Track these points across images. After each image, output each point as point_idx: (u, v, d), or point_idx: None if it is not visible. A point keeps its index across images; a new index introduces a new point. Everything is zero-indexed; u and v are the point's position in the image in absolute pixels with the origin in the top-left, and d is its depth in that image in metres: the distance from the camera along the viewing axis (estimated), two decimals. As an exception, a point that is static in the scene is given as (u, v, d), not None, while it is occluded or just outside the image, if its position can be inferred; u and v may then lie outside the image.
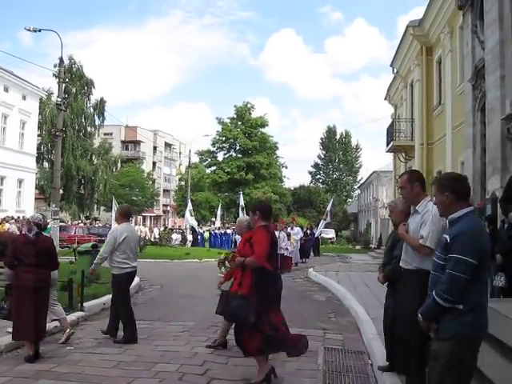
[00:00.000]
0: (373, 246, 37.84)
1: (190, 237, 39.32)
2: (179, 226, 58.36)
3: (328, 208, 23.22)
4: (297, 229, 25.01)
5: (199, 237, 37.26)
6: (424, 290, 4.00)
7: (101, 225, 42.10)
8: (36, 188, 42.90)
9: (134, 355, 6.93)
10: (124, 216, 8.45)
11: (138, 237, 8.68)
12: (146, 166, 77.41)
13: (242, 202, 21.63)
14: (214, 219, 48.15)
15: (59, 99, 24.62)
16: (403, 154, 28.89)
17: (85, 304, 9.71)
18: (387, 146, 29.71)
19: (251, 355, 5.80)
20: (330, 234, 53.48)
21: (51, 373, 6.01)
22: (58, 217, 24.31)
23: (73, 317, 9.02)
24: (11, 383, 5.67)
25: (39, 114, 41.70)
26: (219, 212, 25.21)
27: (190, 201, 24.41)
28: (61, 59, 25.03)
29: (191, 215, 23.35)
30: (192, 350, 7.20)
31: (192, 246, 35.75)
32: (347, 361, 6.96)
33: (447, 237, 3.67)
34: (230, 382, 5.95)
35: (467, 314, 3.46)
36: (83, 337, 7.99)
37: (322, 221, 26.73)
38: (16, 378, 5.80)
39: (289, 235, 20.80)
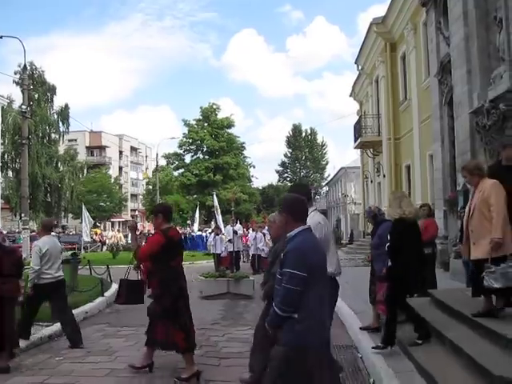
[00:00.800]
0: (344, 241, 38.12)
1: None
2: (148, 231, 57.90)
3: None
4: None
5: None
6: None
7: (74, 232, 41.46)
8: (1, 198, 42.08)
9: (125, 362, 6.91)
10: (45, 229, 8.47)
11: (60, 248, 8.61)
12: (113, 171, 76.65)
13: (216, 203, 21.49)
14: (188, 222, 47.84)
15: (24, 107, 24.22)
16: (371, 150, 29.31)
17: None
18: (355, 142, 30.09)
19: (182, 352, 6.17)
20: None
21: (44, 385, 5.98)
22: (27, 226, 23.92)
23: (55, 327, 8.91)
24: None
25: (1, 122, 40.89)
26: (197, 214, 24.88)
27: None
28: (24, 66, 24.68)
29: None
30: (182, 353, 7.23)
31: None
32: (337, 355, 7.06)
33: (282, 253, 3.98)
34: (224, 383, 6.01)
35: (301, 322, 3.69)
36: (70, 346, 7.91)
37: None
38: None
39: (265, 235, 20.80)
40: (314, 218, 5.10)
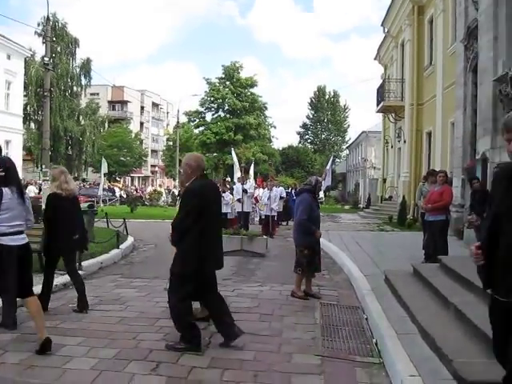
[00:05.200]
0: (361, 205, 38.12)
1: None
2: (167, 187, 58.30)
3: (327, 167, 21.08)
4: (280, 189, 21.48)
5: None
6: None
7: (88, 186, 42.54)
8: (23, 149, 42.56)
9: (136, 311, 7.12)
10: None
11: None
12: (134, 126, 76.88)
13: (234, 158, 19.91)
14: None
15: (46, 59, 24.22)
16: (393, 115, 29.01)
17: (83, 263, 9.84)
18: (377, 106, 29.79)
19: None
20: (320, 194, 53.78)
21: (57, 329, 6.16)
22: (48, 178, 24.24)
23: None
24: (20, 339, 5.80)
25: (24, 74, 40.99)
26: (251, 171, 22.15)
27: None
28: (47, 17, 24.62)
29: None
30: (193, 306, 7.39)
31: None
32: (343, 315, 7.20)
33: None
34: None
35: None
36: (84, 295, 8.11)
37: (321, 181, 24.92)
38: (24, 334, 5.94)
39: (245, 191, 18.13)
40: None
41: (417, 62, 24.48)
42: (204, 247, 5.52)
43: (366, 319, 6.94)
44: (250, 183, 19.88)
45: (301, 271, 8.29)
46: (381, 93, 28.75)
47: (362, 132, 54.88)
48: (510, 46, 11.50)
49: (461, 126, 15.70)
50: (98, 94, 70.05)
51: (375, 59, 37.07)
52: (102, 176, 32.27)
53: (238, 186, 18.44)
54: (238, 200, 17.66)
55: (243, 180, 18.12)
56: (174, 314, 5.75)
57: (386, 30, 30.59)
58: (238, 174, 19.67)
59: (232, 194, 18.51)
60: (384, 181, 33.14)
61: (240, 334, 5.71)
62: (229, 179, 29.98)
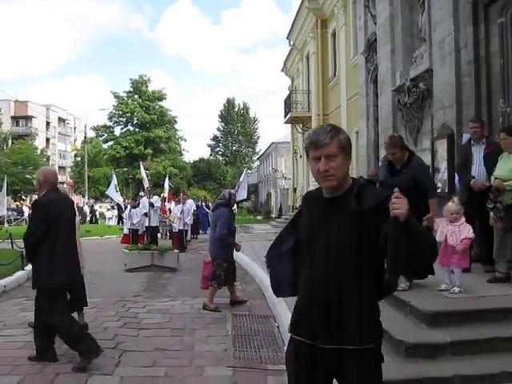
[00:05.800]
0: (273, 215, 38.63)
1: (109, 213, 40.23)
2: (77, 203, 56.61)
3: (241, 179, 20.88)
4: (190, 201, 21.83)
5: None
6: None
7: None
8: None
9: (41, 334, 6.82)
10: None
11: None
12: (39, 143, 74.10)
13: (143, 174, 19.16)
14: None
15: None
16: (301, 125, 29.63)
17: (-16, 287, 9.34)
18: (285, 117, 30.35)
19: None
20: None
21: (-46, 358, 5.82)
22: None
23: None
24: None
25: None
26: (166, 184, 22.06)
27: (114, 175, 21.52)
28: None
29: (116, 191, 20.09)
30: (101, 325, 7.19)
31: (118, 224, 33.91)
32: (255, 325, 7.24)
33: None
34: (141, 353, 6.02)
35: None
36: (-15, 320, 7.71)
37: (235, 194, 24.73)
38: None
39: (152, 205, 17.47)
40: None
41: (321, 74, 25.20)
42: (56, 260, 5.55)
43: (278, 327, 7.01)
44: (157, 197, 19.73)
45: (216, 284, 8.29)
46: (288, 104, 29.34)
47: (272, 143, 55.71)
48: (406, 57, 12.05)
49: (364, 134, 16.25)
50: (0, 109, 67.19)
51: (282, 71, 37.80)
52: (5, 194, 30.78)
53: (144, 200, 17.97)
54: (145, 214, 17.14)
55: (149, 193, 17.65)
56: (60, 333, 5.62)
57: (292, 43, 31.31)
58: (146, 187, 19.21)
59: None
60: (294, 190, 33.71)
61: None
62: (142, 194, 29.51)
